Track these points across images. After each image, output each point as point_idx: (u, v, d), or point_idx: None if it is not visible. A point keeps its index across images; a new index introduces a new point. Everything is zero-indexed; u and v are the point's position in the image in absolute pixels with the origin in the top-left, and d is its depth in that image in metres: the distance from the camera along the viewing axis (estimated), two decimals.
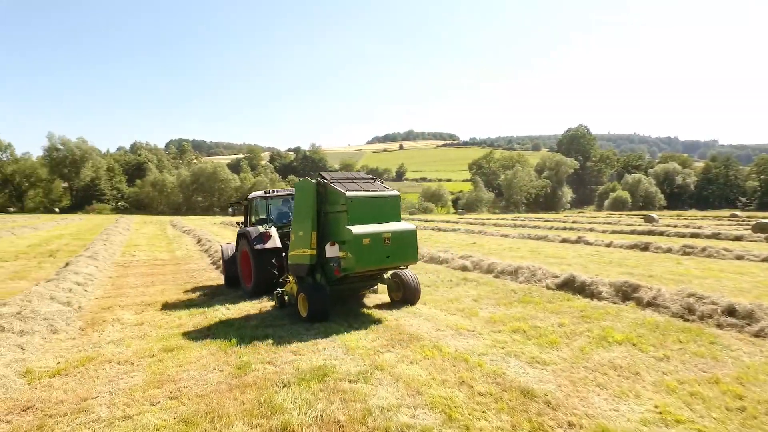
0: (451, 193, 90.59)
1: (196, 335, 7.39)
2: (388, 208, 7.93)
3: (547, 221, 40.11)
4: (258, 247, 9.91)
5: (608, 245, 19.58)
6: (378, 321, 7.78)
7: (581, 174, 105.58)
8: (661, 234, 24.45)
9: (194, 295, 11.06)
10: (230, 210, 15.36)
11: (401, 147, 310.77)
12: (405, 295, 8.79)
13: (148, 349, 6.64)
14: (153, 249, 20.43)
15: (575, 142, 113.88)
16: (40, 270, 14.85)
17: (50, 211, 74.81)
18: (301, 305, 8.01)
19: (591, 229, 28.24)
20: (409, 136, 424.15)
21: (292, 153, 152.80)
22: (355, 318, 8.01)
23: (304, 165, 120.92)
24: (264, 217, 11.64)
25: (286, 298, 8.88)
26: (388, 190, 8.18)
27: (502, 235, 25.56)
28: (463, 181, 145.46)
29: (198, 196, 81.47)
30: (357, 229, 7.28)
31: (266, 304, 9.55)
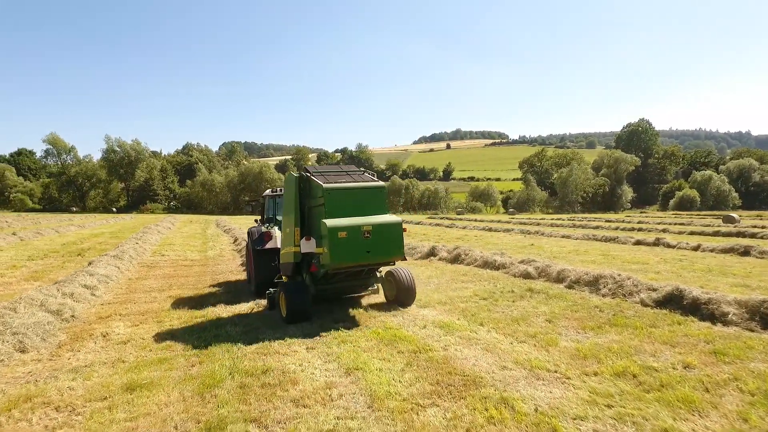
0: (501, 193, 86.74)
1: (180, 363, 5.67)
2: (372, 200, 7.34)
3: (608, 221, 36.48)
4: (257, 247, 9.52)
5: (695, 249, 16.53)
6: (419, 350, 5.77)
7: (642, 172, 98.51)
8: (753, 236, 20.87)
9: (207, 303, 9.49)
10: (248, 208, 14.05)
11: (448, 146, 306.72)
12: (398, 294, 8.13)
13: (107, 386, 4.95)
14: (186, 248, 19.37)
15: (636, 138, 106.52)
16: (62, 270, 13.88)
17: (108, 211, 77.86)
18: (282, 305, 7.52)
19: (664, 230, 24.84)
20: (457, 135, 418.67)
21: (338, 154, 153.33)
22: (390, 343, 6.05)
23: (350, 162, 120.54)
24: (272, 215, 11.22)
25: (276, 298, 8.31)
26: (373, 181, 7.64)
27: (562, 236, 22.81)
28: (513, 180, 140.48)
29: (245, 196, 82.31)
30: (332, 221, 6.80)
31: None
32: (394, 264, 7.87)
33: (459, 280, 10.74)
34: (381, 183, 7.58)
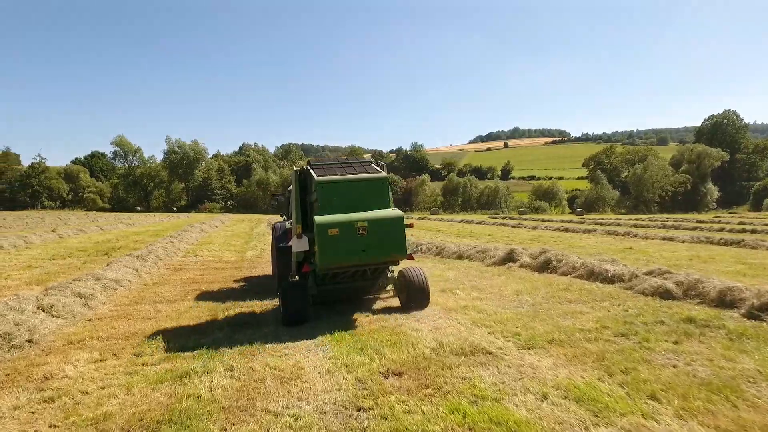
0: (566, 192, 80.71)
1: None
2: (372, 194, 6.69)
3: (699, 222, 31.27)
4: (280, 244, 8.68)
5: None
6: None
7: (728, 168, 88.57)
8: None
9: (216, 323, 7.01)
10: (274, 203, 11.86)
11: (506, 145, 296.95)
12: (409, 296, 7.22)
13: None
14: (224, 248, 17.39)
15: (720, 131, 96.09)
16: (77, 271, 12.04)
17: (169, 210, 79.92)
18: (281, 306, 6.76)
19: None
20: (515, 133, 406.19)
21: (393, 154, 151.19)
22: None
23: (405, 164, 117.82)
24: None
25: None
26: (376, 172, 6.97)
27: (662, 239, 18.79)
28: (578, 179, 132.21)
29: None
30: (322, 217, 6.19)
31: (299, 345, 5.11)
32: (396, 264, 7.16)
33: (562, 298, 7.60)
34: (382, 174, 6.85)
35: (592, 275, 9.08)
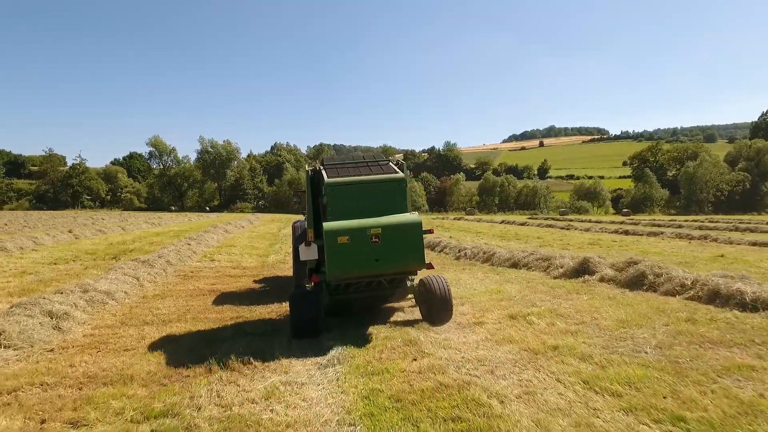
0: (609, 192, 76.30)
1: None
2: (388, 197, 5.94)
3: None
4: (298, 245, 7.05)
5: None
6: None
7: None
8: None
9: (215, 344, 5.11)
10: (295, 200, 10.04)
11: (541, 144, 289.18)
12: (430, 308, 6.30)
13: None
14: (246, 251, 15.69)
15: None
16: (74, 279, 10.48)
17: (202, 210, 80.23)
18: (291, 315, 5.95)
19: None
20: (551, 132, 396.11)
21: (425, 154, 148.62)
22: None
23: (438, 164, 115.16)
24: None
25: None
26: (393, 172, 6.15)
27: (750, 244, 15.91)
28: (619, 178, 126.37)
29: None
30: (332, 224, 5.56)
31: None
32: (415, 274, 6.52)
33: (697, 336, 5.23)
34: (399, 175, 6.12)
35: (717, 298, 6.67)
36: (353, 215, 5.71)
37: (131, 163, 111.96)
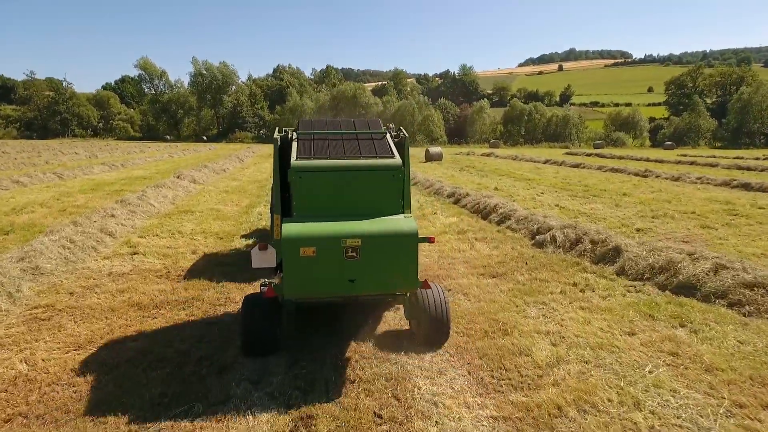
0: (651, 120, 68.53)
1: None
2: (377, 191, 4.32)
3: None
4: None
5: None
6: None
7: None
8: None
9: None
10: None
11: (560, 68, 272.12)
12: (421, 326, 4.60)
13: None
14: (204, 223, 10.46)
15: None
16: None
17: (199, 140, 74.34)
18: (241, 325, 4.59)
19: None
20: (570, 55, 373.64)
21: (439, 78, 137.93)
22: None
23: (453, 89, 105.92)
24: None
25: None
26: (388, 156, 4.44)
27: None
28: (649, 105, 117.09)
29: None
30: (293, 227, 3.98)
31: None
32: (406, 294, 4.60)
33: None
34: (395, 162, 4.36)
35: None
36: (326, 214, 4.14)
37: (123, 89, 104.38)
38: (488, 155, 36.17)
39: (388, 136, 4.81)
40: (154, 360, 4.34)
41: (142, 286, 6.29)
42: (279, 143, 4.62)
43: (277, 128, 5.03)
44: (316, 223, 4.03)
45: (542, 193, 15.16)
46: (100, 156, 30.98)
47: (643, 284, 6.26)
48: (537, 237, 8.89)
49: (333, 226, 4.00)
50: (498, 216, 10.90)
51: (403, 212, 4.38)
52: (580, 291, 6.13)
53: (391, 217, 4.26)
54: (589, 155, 36.40)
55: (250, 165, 26.01)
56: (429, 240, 4.55)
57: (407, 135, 4.78)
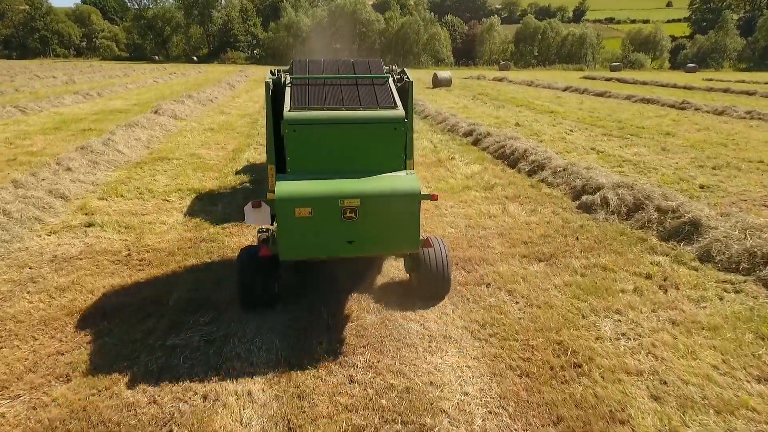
0: (672, 39, 63.80)
1: None
2: (378, 145, 4.01)
3: None
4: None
5: None
6: None
7: None
8: None
9: None
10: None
11: None
12: (422, 281, 4.45)
13: None
14: (206, 145, 8.87)
15: None
16: None
17: (189, 60, 70.02)
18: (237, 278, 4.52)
19: None
20: None
21: None
22: None
23: (459, 4, 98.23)
24: None
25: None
26: (390, 106, 4.05)
27: None
28: (668, 22, 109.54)
29: (336, 44, 68.67)
30: (287, 186, 3.69)
31: None
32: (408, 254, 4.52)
33: None
34: (398, 113, 3.99)
35: None
36: (323, 170, 3.87)
37: (105, 3, 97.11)
38: (500, 80, 33.37)
39: (390, 81, 4.34)
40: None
41: (92, 280, 4.85)
42: (271, 87, 4.15)
43: (270, 71, 4.55)
44: (312, 181, 3.77)
45: (571, 131, 13.36)
46: (78, 81, 28.43)
47: (744, 280, 4.81)
48: (582, 198, 7.34)
49: (330, 184, 3.75)
50: (528, 165, 9.28)
51: (404, 168, 4.08)
52: (660, 289, 4.70)
53: (392, 174, 3.99)
54: (609, 80, 33.66)
55: (242, 92, 23.70)
56: (432, 197, 4.15)
57: (411, 79, 4.33)
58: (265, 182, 5.02)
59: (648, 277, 4.97)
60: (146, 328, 4.04)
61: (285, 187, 3.69)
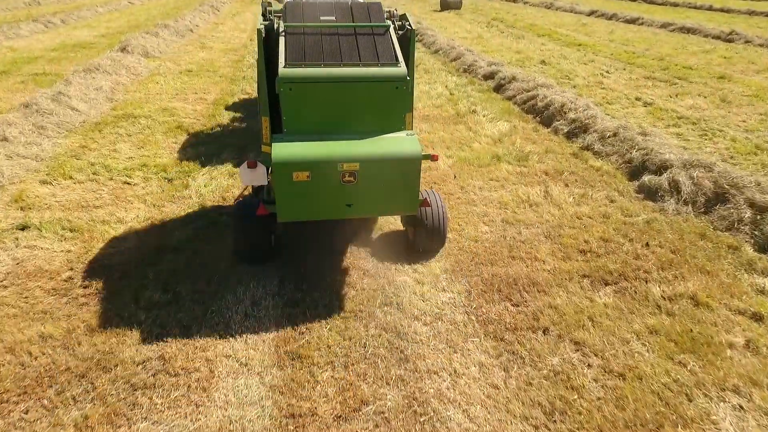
0: None
1: None
2: (378, 105, 3.82)
3: None
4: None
5: None
6: None
7: None
8: None
9: None
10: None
11: None
12: (418, 236, 4.44)
13: None
14: (182, 94, 7.37)
15: None
16: None
17: None
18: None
19: None
20: None
21: None
22: None
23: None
24: None
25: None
26: (392, 62, 3.80)
27: None
28: None
29: None
30: (284, 148, 3.54)
31: None
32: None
33: None
34: (399, 72, 3.73)
35: None
36: (320, 130, 3.72)
37: None
38: (515, 0, 30.02)
39: (391, 30, 4.06)
40: None
41: (14, 324, 3.60)
42: (264, 34, 3.88)
43: (262, 3, 4.45)
44: (310, 143, 3.66)
45: (607, 72, 11.55)
46: (44, 1, 25.36)
47: None
48: (643, 178, 5.93)
49: (328, 147, 3.64)
50: (567, 124, 7.75)
51: (404, 128, 3.99)
52: None
53: (392, 135, 3.88)
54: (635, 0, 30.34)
55: (227, 18, 21.06)
56: (432, 158, 4.02)
57: (413, 27, 4.14)
58: (256, 147, 4.68)
59: (758, 319, 3.73)
60: (82, 416, 2.84)
61: (282, 150, 3.55)
